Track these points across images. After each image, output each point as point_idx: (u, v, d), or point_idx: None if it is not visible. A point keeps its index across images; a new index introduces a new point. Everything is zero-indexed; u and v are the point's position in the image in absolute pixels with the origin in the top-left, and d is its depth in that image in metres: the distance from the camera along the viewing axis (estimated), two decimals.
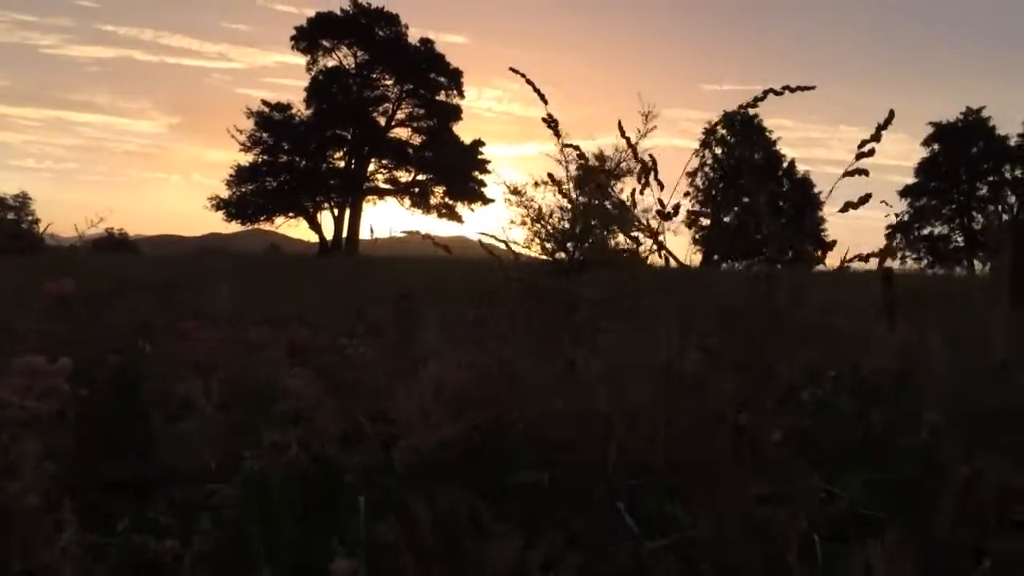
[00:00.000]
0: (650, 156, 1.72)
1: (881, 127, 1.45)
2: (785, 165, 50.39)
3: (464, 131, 41.54)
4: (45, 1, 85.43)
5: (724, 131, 51.36)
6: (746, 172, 49.27)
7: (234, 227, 41.31)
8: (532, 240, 12.40)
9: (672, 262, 1.85)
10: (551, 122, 1.87)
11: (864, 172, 1.47)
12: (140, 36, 79.07)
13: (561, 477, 1.59)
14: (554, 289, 2.37)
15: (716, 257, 49.25)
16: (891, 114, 1.45)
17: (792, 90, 1.49)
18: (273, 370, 2.17)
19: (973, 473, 1.37)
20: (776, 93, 1.53)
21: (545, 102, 1.84)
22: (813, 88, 1.48)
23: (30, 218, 53.29)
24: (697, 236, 50.40)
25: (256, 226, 41.39)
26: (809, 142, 74.71)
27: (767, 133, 50.53)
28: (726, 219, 51.12)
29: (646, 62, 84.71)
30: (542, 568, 1.25)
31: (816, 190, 47.74)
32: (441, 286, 5.29)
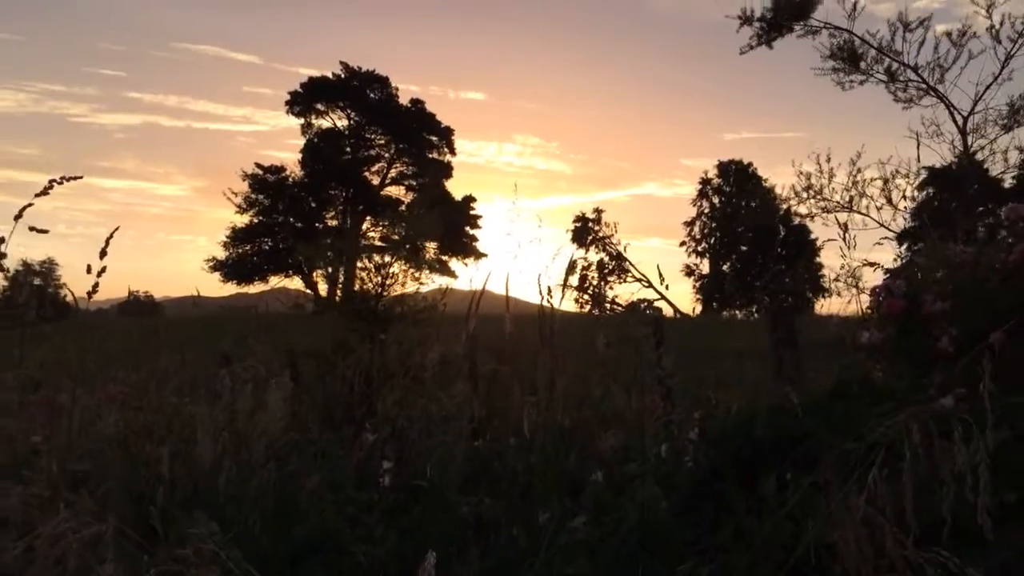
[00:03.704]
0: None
1: None
2: (781, 212, 50.31)
3: (482, 186, 41.78)
4: (72, 71, 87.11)
5: (719, 180, 51.58)
6: (741, 220, 49.32)
7: (260, 287, 41.16)
8: None
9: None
10: None
11: None
12: (165, 102, 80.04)
13: None
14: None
15: (715, 305, 49.07)
16: None
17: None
18: None
19: None
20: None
21: None
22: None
23: (55, 283, 53.95)
24: (696, 285, 50.34)
25: (282, 284, 41.17)
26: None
27: (763, 182, 50.66)
28: (724, 267, 51.03)
29: (669, 113, 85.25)
30: None
31: (812, 236, 47.54)
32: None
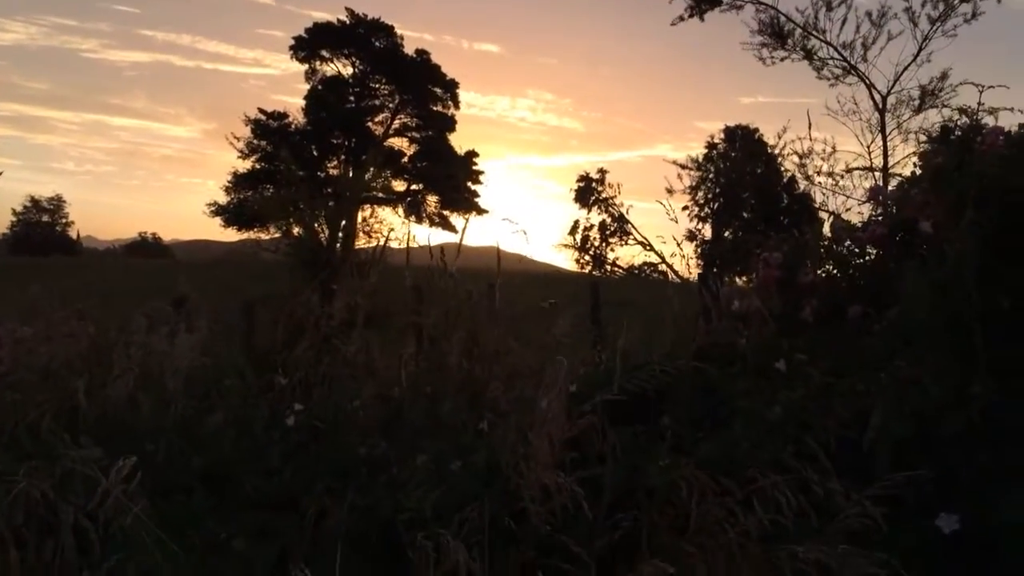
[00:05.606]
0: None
1: None
2: (785, 180, 50.09)
3: (492, 139, 41.66)
4: (85, 5, 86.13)
5: (725, 145, 51.26)
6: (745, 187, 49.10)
7: (260, 233, 40.99)
8: None
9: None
10: None
11: None
12: (178, 41, 79.05)
13: None
14: None
15: (715, 271, 49.11)
16: None
17: None
18: None
19: None
20: None
21: None
22: None
23: (64, 221, 53.31)
24: (698, 251, 50.33)
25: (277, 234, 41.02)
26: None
27: (769, 148, 50.35)
28: (726, 233, 50.95)
29: (683, 75, 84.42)
30: None
31: (816, 204, 47.39)
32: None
